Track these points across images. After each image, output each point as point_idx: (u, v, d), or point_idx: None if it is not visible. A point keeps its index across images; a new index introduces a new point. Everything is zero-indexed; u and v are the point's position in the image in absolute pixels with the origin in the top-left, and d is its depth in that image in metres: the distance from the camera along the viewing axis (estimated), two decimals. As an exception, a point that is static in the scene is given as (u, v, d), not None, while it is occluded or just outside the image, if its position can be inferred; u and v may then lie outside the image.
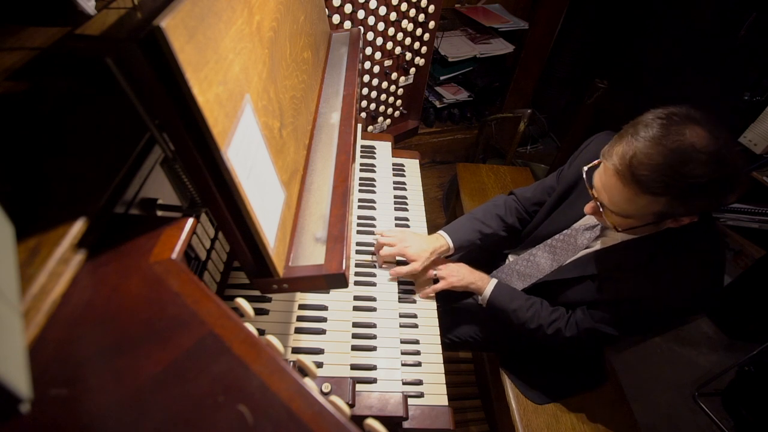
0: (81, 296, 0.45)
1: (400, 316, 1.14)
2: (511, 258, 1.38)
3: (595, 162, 0.94)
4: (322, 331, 1.00)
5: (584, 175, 0.95)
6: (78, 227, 0.46)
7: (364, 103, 1.75)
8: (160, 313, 0.44)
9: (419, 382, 1.03)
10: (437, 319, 1.18)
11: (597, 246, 1.07)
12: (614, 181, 0.83)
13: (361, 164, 1.48)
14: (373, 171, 1.47)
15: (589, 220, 1.10)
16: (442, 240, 1.26)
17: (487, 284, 1.21)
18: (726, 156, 0.75)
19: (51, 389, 0.38)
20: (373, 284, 1.18)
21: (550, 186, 1.28)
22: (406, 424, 0.95)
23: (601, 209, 0.91)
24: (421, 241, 1.21)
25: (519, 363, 1.34)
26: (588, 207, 0.96)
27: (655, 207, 0.81)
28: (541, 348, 1.28)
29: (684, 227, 0.88)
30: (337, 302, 1.07)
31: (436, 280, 1.24)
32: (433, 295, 1.22)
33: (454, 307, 1.40)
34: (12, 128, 0.58)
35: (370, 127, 1.86)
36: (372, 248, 1.25)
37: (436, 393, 1.02)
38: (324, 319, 1.03)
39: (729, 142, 0.76)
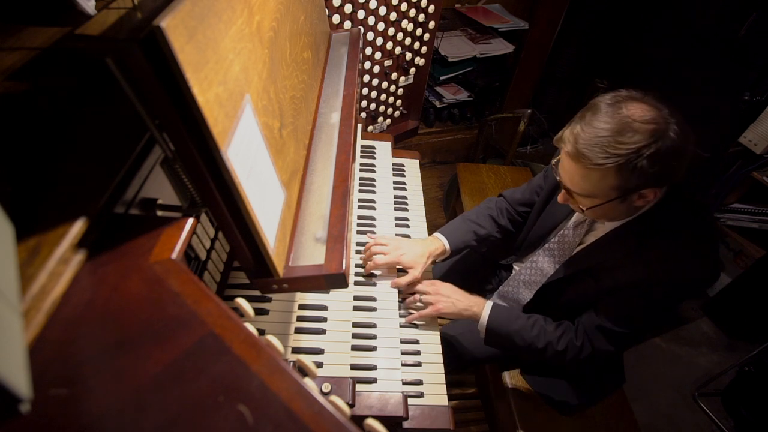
0: (81, 296, 0.45)
1: (401, 316, 1.14)
2: (516, 268, 1.36)
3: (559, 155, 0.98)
4: (322, 331, 1.00)
5: (552, 167, 1.00)
6: (78, 227, 0.46)
7: (364, 103, 1.74)
8: (160, 313, 0.44)
9: (419, 382, 1.03)
10: (437, 319, 1.18)
11: (589, 241, 1.08)
12: (568, 162, 0.88)
13: (361, 164, 1.48)
14: (373, 171, 1.47)
15: (578, 217, 1.10)
16: (438, 242, 1.24)
17: (482, 308, 1.11)
18: (664, 126, 0.80)
19: (51, 389, 0.38)
20: (373, 284, 1.18)
21: (538, 185, 1.28)
22: (406, 424, 0.95)
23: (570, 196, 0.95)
24: (415, 247, 1.20)
25: (540, 374, 1.28)
26: (560, 196, 1.00)
27: (610, 180, 0.84)
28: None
29: (669, 208, 0.92)
30: (337, 302, 1.07)
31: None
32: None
33: (450, 334, 1.31)
34: (12, 128, 0.58)
35: (370, 127, 1.86)
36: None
37: (436, 393, 1.02)
38: (324, 319, 1.02)
39: (674, 116, 0.81)
